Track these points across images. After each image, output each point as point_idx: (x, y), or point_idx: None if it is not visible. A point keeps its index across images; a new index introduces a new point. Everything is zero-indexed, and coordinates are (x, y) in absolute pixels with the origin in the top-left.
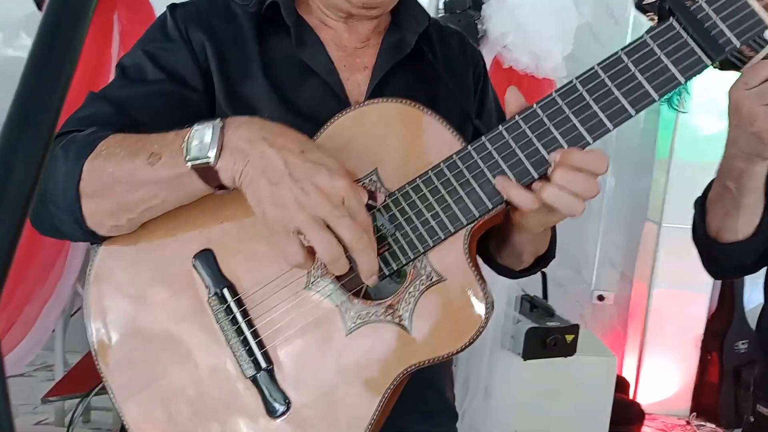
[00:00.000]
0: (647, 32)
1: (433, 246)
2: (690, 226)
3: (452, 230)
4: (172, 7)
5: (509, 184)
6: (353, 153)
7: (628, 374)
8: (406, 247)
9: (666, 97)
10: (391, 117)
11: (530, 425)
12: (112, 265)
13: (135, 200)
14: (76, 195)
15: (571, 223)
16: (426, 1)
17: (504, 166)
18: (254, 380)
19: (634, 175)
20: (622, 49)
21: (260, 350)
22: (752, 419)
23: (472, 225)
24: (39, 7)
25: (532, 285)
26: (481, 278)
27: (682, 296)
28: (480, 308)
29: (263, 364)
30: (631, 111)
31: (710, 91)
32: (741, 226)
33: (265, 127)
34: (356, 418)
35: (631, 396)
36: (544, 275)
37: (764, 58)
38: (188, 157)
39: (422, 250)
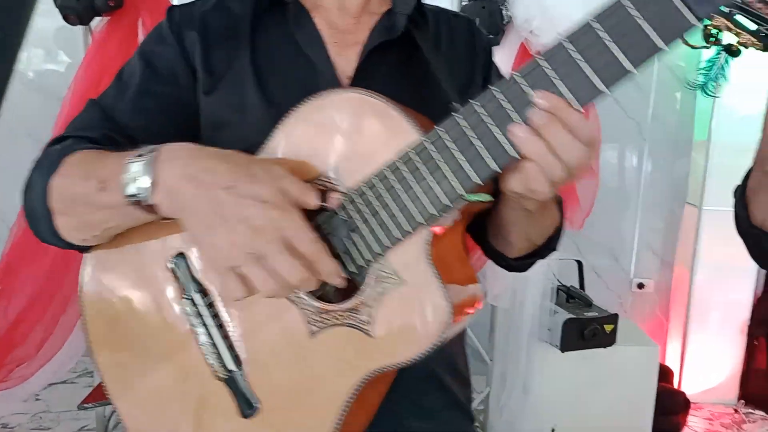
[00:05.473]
0: None
1: (392, 247)
2: (732, 209)
3: (410, 230)
4: (170, 10)
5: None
6: (309, 149)
7: (672, 363)
8: (363, 248)
9: (701, 83)
10: (350, 109)
11: (570, 420)
12: (97, 270)
13: (95, 221)
14: (47, 210)
15: (607, 209)
16: None
17: (462, 158)
18: (225, 381)
19: (672, 158)
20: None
21: (230, 353)
22: None
23: (432, 224)
24: (66, 20)
25: (568, 275)
26: (444, 279)
27: (725, 281)
28: (441, 312)
29: (233, 367)
30: (604, 89)
31: (749, 70)
32: None
33: (198, 161)
34: (320, 422)
35: (675, 385)
36: (580, 264)
37: None
38: (125, 192)
39: (379, 252)
